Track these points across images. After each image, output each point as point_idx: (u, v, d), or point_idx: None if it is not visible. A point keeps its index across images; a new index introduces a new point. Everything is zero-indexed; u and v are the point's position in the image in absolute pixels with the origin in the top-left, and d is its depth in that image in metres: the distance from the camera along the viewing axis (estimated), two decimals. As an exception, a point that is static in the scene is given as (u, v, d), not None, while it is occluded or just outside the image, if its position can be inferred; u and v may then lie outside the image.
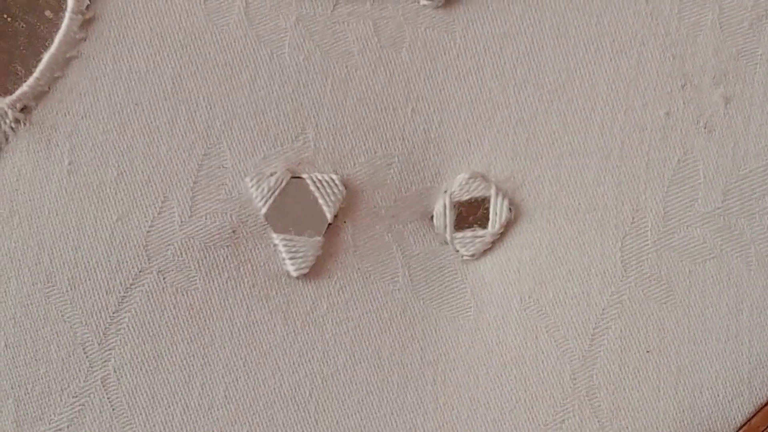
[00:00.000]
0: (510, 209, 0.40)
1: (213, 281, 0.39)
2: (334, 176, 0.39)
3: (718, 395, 0.41)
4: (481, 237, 0.40)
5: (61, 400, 0.39)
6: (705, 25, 0.40)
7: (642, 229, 0.40)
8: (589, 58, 0.40)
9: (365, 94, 0.40)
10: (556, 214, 0.40)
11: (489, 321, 0.40)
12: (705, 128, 0.40)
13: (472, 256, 0.40)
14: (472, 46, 0.40)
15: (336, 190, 0.39)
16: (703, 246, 0.40)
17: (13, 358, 0.39)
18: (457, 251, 0.40)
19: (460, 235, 0.40)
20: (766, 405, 0.41)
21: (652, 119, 0.40)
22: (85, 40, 0.39)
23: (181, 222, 0.39)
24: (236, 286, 0.39)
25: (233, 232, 0.39)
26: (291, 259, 0.39)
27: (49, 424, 0.39)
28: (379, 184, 0.40)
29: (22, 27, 0.39)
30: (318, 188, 0.39)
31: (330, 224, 0.40)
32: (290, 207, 0.39)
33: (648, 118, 0.40)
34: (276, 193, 0.39)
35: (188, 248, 0.39)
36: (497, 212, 0.40)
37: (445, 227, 0.40)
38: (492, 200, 0.40)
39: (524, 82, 0.40)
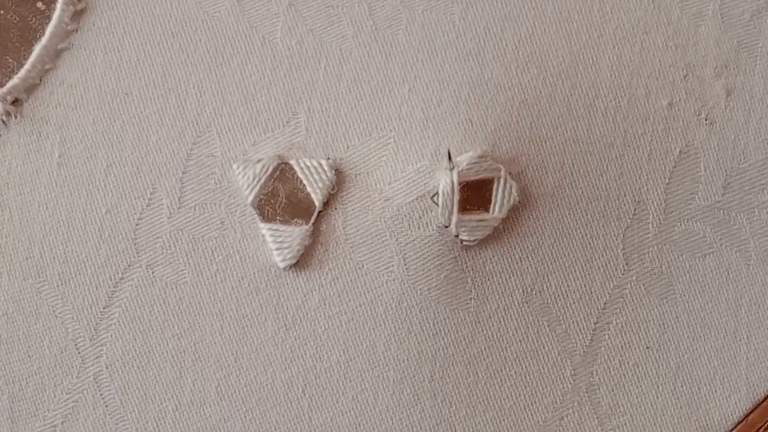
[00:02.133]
0: (517, 192, 0.41)
1: (202, 274, 0.40)
2: (323, 161, 0.40)
3: (716, 391, 0.42)
4: (485, 221, 0.40)
5: (55, 396, 0.40)
6: (707, 16, 0.42)
7: (643, 221, 0.42)
8: (593, 43, 0.41)
9: (360, 75, 0.41)
10: (560, 203, 0.41)
11: (490, 314, 0.41)
12: (706, 120, 0.42)
13: (474, 241, 0.41)
14: (472, 28, 0.41)
15: (325, 176, 0.40)
16: (703, 240, 0.42)
17: (6, 354, 0.40)
18: (457, 236, 0.40)
19: (465, 218, 0.40)
20: (763, 401, 0.42)
21: (654, 109, 0.41)
22: (76, 32, 0.40)
23: (170, 213, 0.40)
24: (225, 279, 0.41)
25: (222, 222, 0.41)
26: (278, 249, 0.40)
27: (44, 420, 0.41)
28: (373, 167, 0.41)
29: (14, 19, 0.41)
30: (306, 174, 0.40)
31: (320, 212, 0.40)
32: (278, 195, 0.40)
33: (651, 108, 0.41)
34: (262, 180, 0.40)
35: (177, 240, 0.40)
36: (504, 195, 0.40)
37: (451, 205, 0.40)
38: (501, 181, 0.40)
39: (527, 65, 0.41)
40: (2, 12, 0.40)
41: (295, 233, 0.40)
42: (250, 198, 0.40)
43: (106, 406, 0.40)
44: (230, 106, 0.40)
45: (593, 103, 0.41)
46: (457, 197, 0.40)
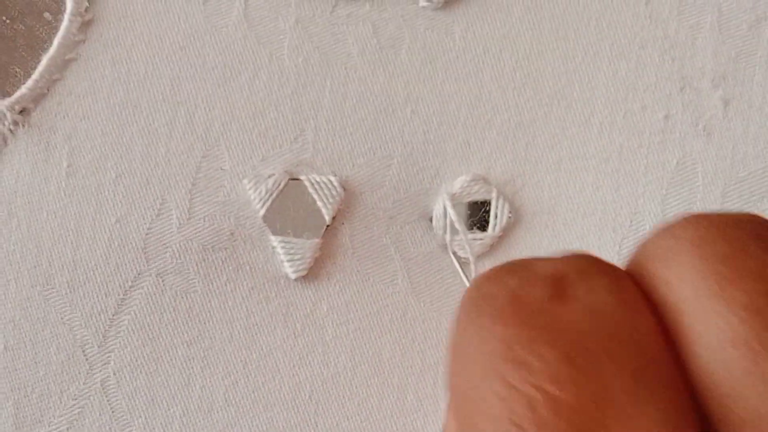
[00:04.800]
0: (510, 214, 0.43)
1: (212, 283, 0.43)
2: (332, 178, 0.43)
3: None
4: (480, 240, 0.43)
5: (61, 403, 0.43)
6: (704, 28, 0.44)
7: (640, 232, 0.44)
8: (588, 61, 0.44)
9: (364, 95, 0.44)
10: (555, 219, 0.44)
11: None
12: (704, 131, 0.44)
13: (472, 258, 0.43)
14: (472, 48, 0.44)
15: (334, 192, 0.43)
16: (700, 251, 0.44)
17: (12, 360, 0.42)
18: (455, 253, 0.43)
19: (458, 237, 0.43)
20: None
21: (650, 122, 0.44)
22: (83, 42, 0.43)
23: (180, 224, 0.43)
24: (235, 288, 0.43)
25: (231, 234, 0.43)
26: (289, 261, 0.43)
27: (49, 426, 0.43)
28: (378, 186, 0.43)
29: (21, 29, 0.43)
30: (316, 190, 0.43)
31: (328, 226, 0.43)
32: (288, 209, 0.43)
33: (647, 121, 0.44)
34: (274, 195, 0.43)
35: (187, 251, 0.43)
36: (498, 215, 0.43)
37: (445, 229, 0.43)
38: (493, 203, 0.43)
39: (524, 85, 0.44)
40: (9, 22, 0.42)
41: (306, 246, 0.43)
42: (262, 212, 0.43)
43: (113, 412, 0.42)
44: (239, 121, 0.43)
45: (588, 120, 0.44)
46: (449, 219, 0.43)
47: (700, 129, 0.44)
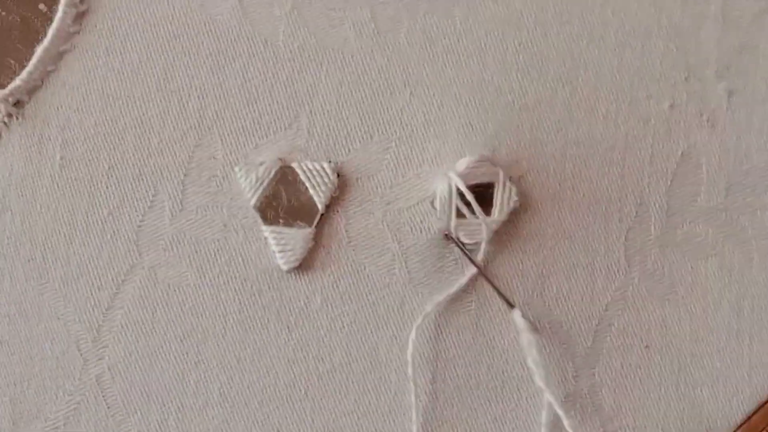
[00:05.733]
0: (517, 196, 0.42)
1: (204, 276, 0.42)
2: (325, 164, 0.41)
3: (719, 393, 0.43)
4: (486, 224, 0.41)
5: (57, 398, 0.41)
6: (708, 18, 0.43)
7: (645, 223, 0.43)
8: (593, 46, 0.43)
9: (361, 79, 0.42)
10: (561, 205, 0.42)
11: (491, 316, 0.42)
12: (708, 122, 0.43)
13: (475, 244, 0.42)
14: (473, 31, 0.42)
15: (327, 179, 0.41)
16: (705, 242, 0.43)
17: (8, 356, 0.41)
18: (458, 239, 0.41)
19: (465, 221, 0.41)
20: (766, 403, 0.43)
21: (656, 111, 0.43)
22: (78, 33, 0.42)
23: (172, 216, 0.41)
24: (228, 281, 0.42)
25: (224, 225, 0.42)
26: (281, 252, 0.41)
27: (45, 422, 0.42)
28: (375, 170, 0.42)
29: (16, 21, 0.42)
30: (309, 177, 0.41)
31: (322, 215, 0.41)
32: (280, 197, 0.41)
33: (652, 110, 0.43)
34: (265, 183, 0.41)
35: (179, 243, 0.41)
36: (504, 198, 0.42)
37: (449, 210, 0.41)
38: (499, 185, 0.41)
39: (528, 69, 0.42)
40: (4, 14, 0.41)
41: (298, 236, 0.41)
42: (253, 201, 0.41)
43: (108, 408, 0.41)
44: (232, 108, 0.41)
45: (594, 106, 0.42)
46: (455, 201, 0.41)
47: (705, 120, 0.43)
